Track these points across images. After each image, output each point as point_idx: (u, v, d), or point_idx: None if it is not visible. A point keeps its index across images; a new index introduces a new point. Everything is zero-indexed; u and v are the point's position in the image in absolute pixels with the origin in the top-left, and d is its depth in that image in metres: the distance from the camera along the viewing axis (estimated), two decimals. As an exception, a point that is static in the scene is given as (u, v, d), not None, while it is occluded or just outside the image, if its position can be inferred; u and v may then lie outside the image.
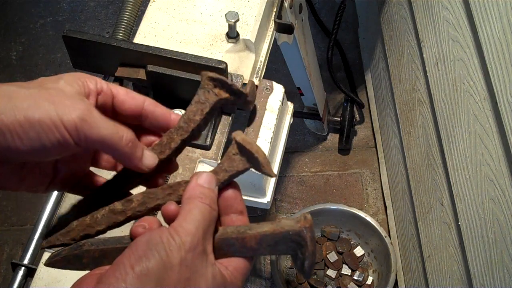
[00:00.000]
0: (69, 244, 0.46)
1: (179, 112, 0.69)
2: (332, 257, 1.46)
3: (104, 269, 0.40)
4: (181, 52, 0.67)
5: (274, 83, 0.77)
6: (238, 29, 0.75)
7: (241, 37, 0.75)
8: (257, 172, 0.45)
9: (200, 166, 0.69)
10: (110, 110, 0.46)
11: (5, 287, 1.07)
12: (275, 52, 0.91)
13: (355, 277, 1.43)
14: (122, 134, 0.42)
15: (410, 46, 1.22)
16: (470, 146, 0.90)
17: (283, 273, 1.45)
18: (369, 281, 1.44)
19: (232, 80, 0.71)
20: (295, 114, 0.84)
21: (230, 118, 0.72)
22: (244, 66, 0.74)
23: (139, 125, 0.48)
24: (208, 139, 0.67)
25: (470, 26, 0.88)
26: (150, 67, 0.67)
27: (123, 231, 0.46)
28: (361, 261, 1.48)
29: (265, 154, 0.45)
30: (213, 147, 0.69)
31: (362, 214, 1.44)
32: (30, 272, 0.68)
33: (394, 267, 1.37)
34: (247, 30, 0.76)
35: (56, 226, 0.47)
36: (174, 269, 0.38)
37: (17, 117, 0.38)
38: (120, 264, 0.38)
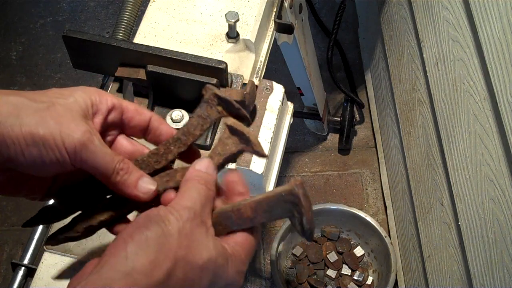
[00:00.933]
0: (74, 238, 0.47)
1: (179, 112, 0.69)
2: (332, 257, 1.46)
3: None
4: (181, 52, 0.67)
5: (274, 83, 0.77)
6: (238, 29, 0.75)
7: (241, 37, 0.75)
8: (252, 155, 0.46)
9: (200, 166, 0.69)
10: (118, 124, 0.48)
11: (5, 287, 1.07)
12: (275, 52, 0.91)
13: (355, 277, 1.43)
14: (115, 165, 0.43)
15: (410, 46, 1.22)
16: (470, 146, 0.90)
17: (283, 273, 1.45)
18: (369, 281, 1.44)
19: (232, 80, 0.71)
20: (295, 114, 0.84)
21: (230, 118, 0.72)
22: (244, 66, 0.74)
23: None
24: (208, 139, 0.67)
25: (470, 26, 0.88)
26: (150, 67, 0.67)
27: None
28: (361, 261, 1.48)
29: (256, 136, 0.45)
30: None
31: (362, 214, 1.44)
32: (30, 272, 0.68)
33: (394, 267, 1.37)
34: (247, 30, 0.76)
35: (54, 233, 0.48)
36: (173, 236, 0.39)
37: (23, 132, 0.39)
38: (119, 237, 0.39)
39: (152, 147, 0.49)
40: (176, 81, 0.67)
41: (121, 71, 0.70)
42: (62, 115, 0.41)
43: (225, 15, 0.72)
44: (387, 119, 1.48)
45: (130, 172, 0.45)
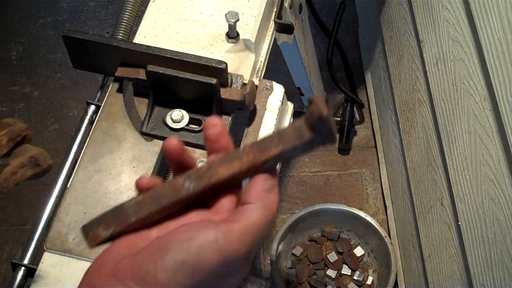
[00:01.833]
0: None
1: (179, 112, 0.69)
2: (332, 257, 1.46)
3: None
4: (181, 52, 0.67)
5: (274, 83, 0.77)
6: (238, 29, 0.75)
7: (241, 37, 0.75)
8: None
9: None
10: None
11: (5, 287, 1.07)
12: (275, 52, 0.91)
13: (355, 277, 1.43)
14: None
15: (410, 46, 1.22)
16: (470, 146, 0.90)
17: (283, 273, 1.45)
18: (369, 281, 1.44)
19: (232, 80, 0.71)
20: (295, 114, 0.84)
21: (230, 118, 0.72)
22: (244, 66, 0.74)
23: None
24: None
25: (470, 26, 0.88)
26: (150, 67, 0.67)
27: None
28: (361, 261, 1.48)
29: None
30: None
31: (362, 214, 1.44)
32: (30, 272, 0.68)
33: (394, 267, 1.37)
34: (247, 30, 0.76)
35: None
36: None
37: None
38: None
39: None
40: (176, 81, 0.67)
41: (121, 71, 0.70)
42: None
43: (225, 15, 0.72)
44: (387, 119, 1.48)
45: None
